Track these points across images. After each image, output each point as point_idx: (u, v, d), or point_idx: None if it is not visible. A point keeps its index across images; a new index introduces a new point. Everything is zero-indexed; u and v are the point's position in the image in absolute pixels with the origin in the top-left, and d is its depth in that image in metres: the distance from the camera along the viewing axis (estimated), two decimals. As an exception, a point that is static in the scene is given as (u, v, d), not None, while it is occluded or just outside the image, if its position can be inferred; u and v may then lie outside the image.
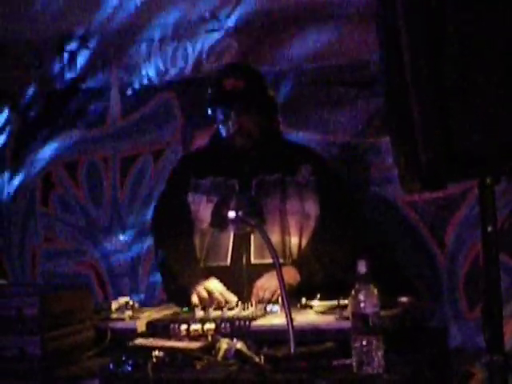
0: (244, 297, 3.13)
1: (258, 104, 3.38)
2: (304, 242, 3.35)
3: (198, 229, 3.41)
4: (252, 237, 3.28)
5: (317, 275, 3.26)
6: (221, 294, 3.12)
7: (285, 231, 3.34)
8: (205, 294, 3.13)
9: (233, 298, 3.11)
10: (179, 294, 3.28)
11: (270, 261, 3.10)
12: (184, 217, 3.43)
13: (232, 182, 3.39)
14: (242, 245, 3.31)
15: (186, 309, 3.04)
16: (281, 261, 3.17)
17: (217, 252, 3.35)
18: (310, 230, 3.36)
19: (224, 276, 3.24)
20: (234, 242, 3.32)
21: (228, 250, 3.32)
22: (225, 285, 3.18)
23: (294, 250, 3.34)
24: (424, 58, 2.28)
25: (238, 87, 3.36)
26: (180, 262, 3.34)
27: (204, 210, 3.37)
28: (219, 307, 2.98)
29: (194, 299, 3.14)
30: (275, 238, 3.26)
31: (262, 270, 3.22)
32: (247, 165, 3.40)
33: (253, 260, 3.29)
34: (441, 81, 2.27)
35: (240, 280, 3.25)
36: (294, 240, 3.34)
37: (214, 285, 3.17)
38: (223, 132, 3.40)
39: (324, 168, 3.49)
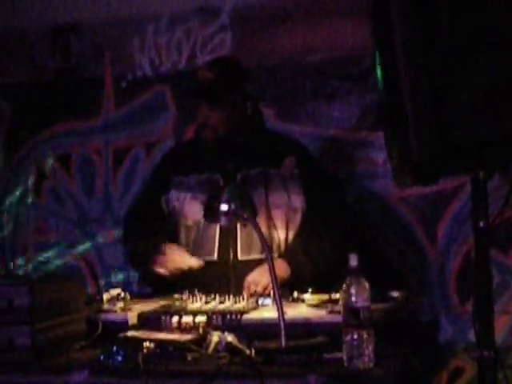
0: (232, 292, 3.12)
1: (225, 98, 3.34)
2: (291, 236, 3.35)
3: (182, 224, 3.41)
4: (238, 232, 3.29)
5: (305, 268, 3.25)
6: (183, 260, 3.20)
7: (271, 225, 3.32)
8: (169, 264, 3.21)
9: (194, 262, 3.17)
10: (153, 278, 3.33)
11: (256, 256, 3.21)
12: (157, 218, 3.43)
13: (216, 178, 3.37)
14: (228, 240, 3.30)
15: (177, 295, 3.05)
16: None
17: (203, 247, 3.34)
18: (296, 223, 3.35)
19: (211, 271, 3.24)
20: (220, 237, 3.32)
21: (215, 244, 3.32)
22: (212, 280, 3.18)
23: (281, 243, 3.34)
24: (418, 52, 2.28)
25: (206, 79, 3.34)
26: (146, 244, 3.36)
27: (189, 207, 3.37)
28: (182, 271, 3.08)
29: (159, 270, 3.22)
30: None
31: (248, 266, 3.23)
32: (231, 159, 3.37)
33: (240, 256, 3.29)
34: (434, 75, 2.27)
35: (227, 276, 3.24)
36: (281, 234, 3.33)
37: (175, 251, 3.23)
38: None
39: (309, 160, 3.47)
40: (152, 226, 3.42)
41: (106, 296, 3.05)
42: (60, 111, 4.64)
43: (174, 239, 3.41)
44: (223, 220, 2.85)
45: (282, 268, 3.18)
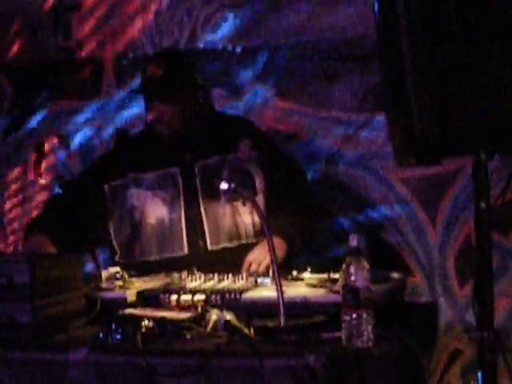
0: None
1: (178, 92, 3.32)
2: (257, 219, 3.30)
3: (145, 223, 3.39)
4: (205, 223, 3.31)
5: (296, 242, 3.27)
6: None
7: (235, 211, 3.33)
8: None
9: None
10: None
11: (225, 245, 3.28)
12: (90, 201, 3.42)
13: (174, 172, 3.37)
14: (196, 233, 3.32)
15: (176, 274, 3.04)
16: (238, 242, 3.29)
17: (172, 243, 3.34)
18: (260, 205, 3.32)
19: (183, 266, 3.17)
20: (187, 231, 3.32)
21: (183, 239, 3.33)
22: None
23: (249, 228, 3.34)
24: (421, 33, 2.28)
25: (156, 74, 3.33)
26: None
27: (151, 205, 3.37)
28: None
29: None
30: (227, 220, 3.31)
31: (220, 255, 3.27)
32: (187, 151, 3.37)
33: (209, 247, 3.31)
34: (437, 56, 2.27)
35: (200, 268, 3.18)
36: (247, 219, 3.32)
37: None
38: (147, 119, 3.39)
39: (263, 140, 3.47)
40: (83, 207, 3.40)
41: (104, 274, 3.05)
42: (61, 90, 4.63)
43: (137, 237, 3.40)
44: (223, 198, 2.85)
45: (280, 246, 3.15)
